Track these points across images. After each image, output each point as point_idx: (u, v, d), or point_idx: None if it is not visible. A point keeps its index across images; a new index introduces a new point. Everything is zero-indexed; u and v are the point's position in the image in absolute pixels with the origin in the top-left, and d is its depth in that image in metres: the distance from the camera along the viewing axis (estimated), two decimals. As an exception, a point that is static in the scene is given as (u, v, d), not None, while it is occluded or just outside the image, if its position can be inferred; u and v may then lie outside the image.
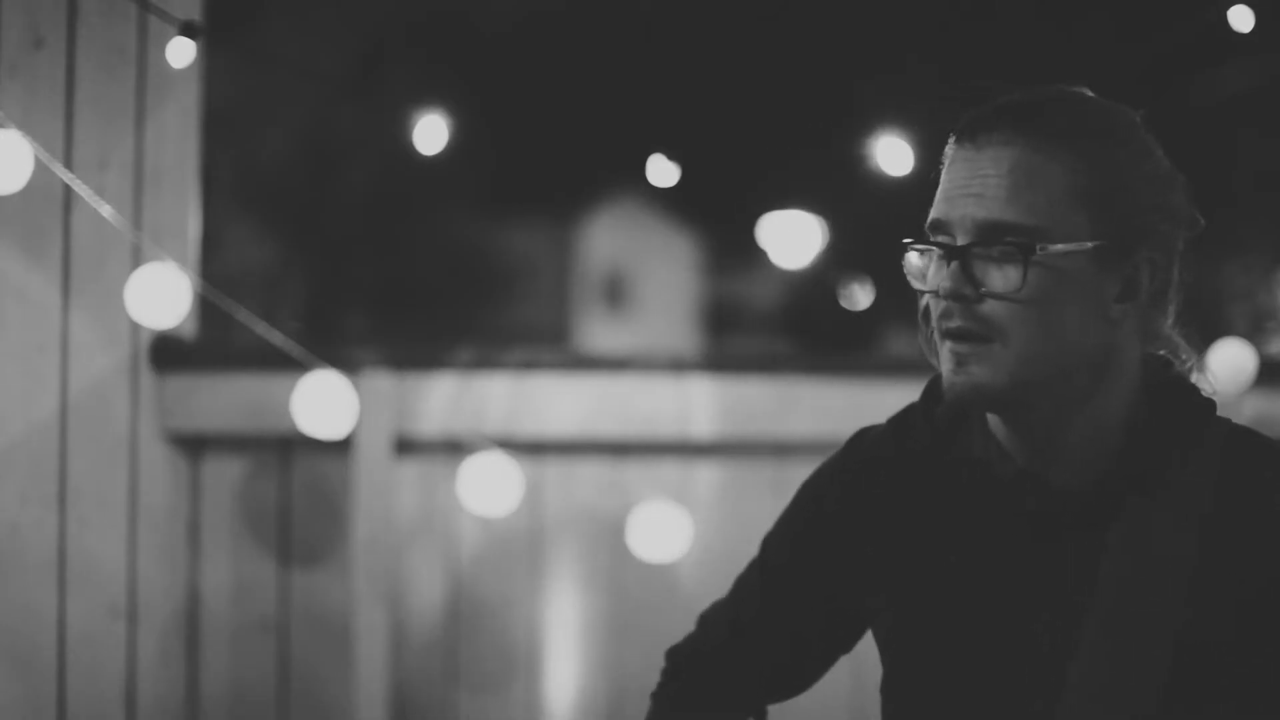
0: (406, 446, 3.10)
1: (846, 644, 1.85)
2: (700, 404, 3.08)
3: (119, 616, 2.92)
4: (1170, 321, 1.69)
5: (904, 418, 1.78)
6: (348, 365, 2.98)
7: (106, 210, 2.71)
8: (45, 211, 2.80)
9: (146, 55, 2.91)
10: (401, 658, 3.11)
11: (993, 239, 1.56)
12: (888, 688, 1.73)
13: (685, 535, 2.92)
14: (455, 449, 3.06)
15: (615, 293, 19.58)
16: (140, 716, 2.96)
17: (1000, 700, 1.63)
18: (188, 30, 2.44)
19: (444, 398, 3.09)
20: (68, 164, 2.78)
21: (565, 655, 3.10)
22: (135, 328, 2.93)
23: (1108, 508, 1.61)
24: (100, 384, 2.90)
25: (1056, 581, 1.61)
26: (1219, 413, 1.67)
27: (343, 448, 3.05)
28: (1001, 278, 1.56)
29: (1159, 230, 1.61)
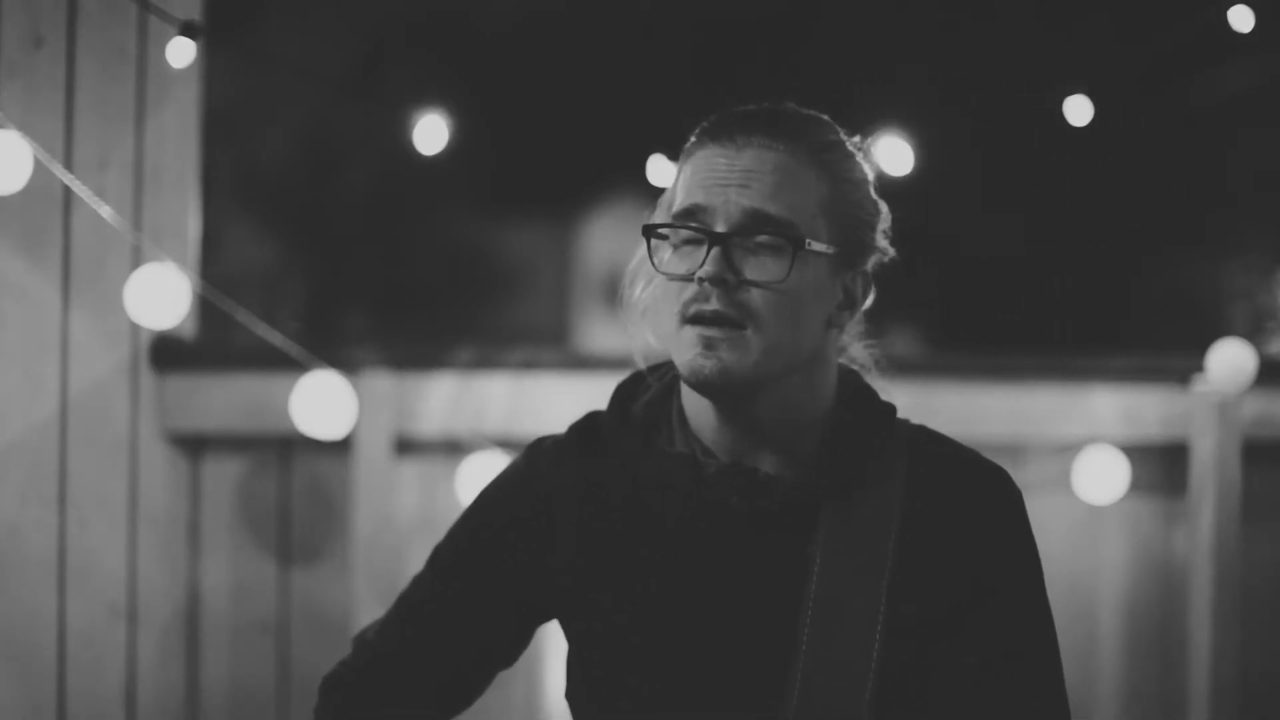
0: (406, 446, 3.10)
1: (512, 657, 1.87)
2: (700, 404, 3.08)
3: (119, 616, 2.92)
4: (858, 336, 1.82)
5: (589, 422, 1.83)
6: (348, 365, 2.98)
7: (106, 210, 2.71)
8: (45, 211, 2.80)
9: (146, 55, 2.91)
10: (401, 658, 3.11)
11: (755, 229, 1.63)
12: (579, 693, 1.76)
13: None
14: (455, 449, 3.06)
15: (615, 293, 19.57)
16: (140, 716, 2.96)
17: (727, 688, 1.67)
18: (188, 30, 2.44)
19: (444, 398, 3.09)
20: (68, 164, 2.78)
21: (565, 655, 3.10)
22: (135, 328, 2.93)
23: (813, 502, 1.68)
24: (100, 384, 2.90)
25: (770, 575, 1.68)
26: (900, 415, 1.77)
27: (343, 448, 3.05)
28: (760, 267, 1.63)
29: (872, 249, 1.73)
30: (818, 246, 1.65)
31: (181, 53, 2.43)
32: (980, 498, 1.71)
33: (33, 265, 2.79)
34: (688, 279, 1.65)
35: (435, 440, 3.09)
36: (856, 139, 1.77)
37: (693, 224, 1.66)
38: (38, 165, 2.47)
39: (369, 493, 3.00)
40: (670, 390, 1.79)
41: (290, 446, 3.12)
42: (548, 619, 1.83)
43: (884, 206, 1.77)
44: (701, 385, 1.66)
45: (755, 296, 1.63)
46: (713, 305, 1.63)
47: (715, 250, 1.63)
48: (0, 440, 2.77)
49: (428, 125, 2.60)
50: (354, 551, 3.02)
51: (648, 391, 1.81)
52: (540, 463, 1.82)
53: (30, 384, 2.80)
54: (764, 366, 1.64)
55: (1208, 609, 2.93)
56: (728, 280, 1.63)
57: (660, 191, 2.33)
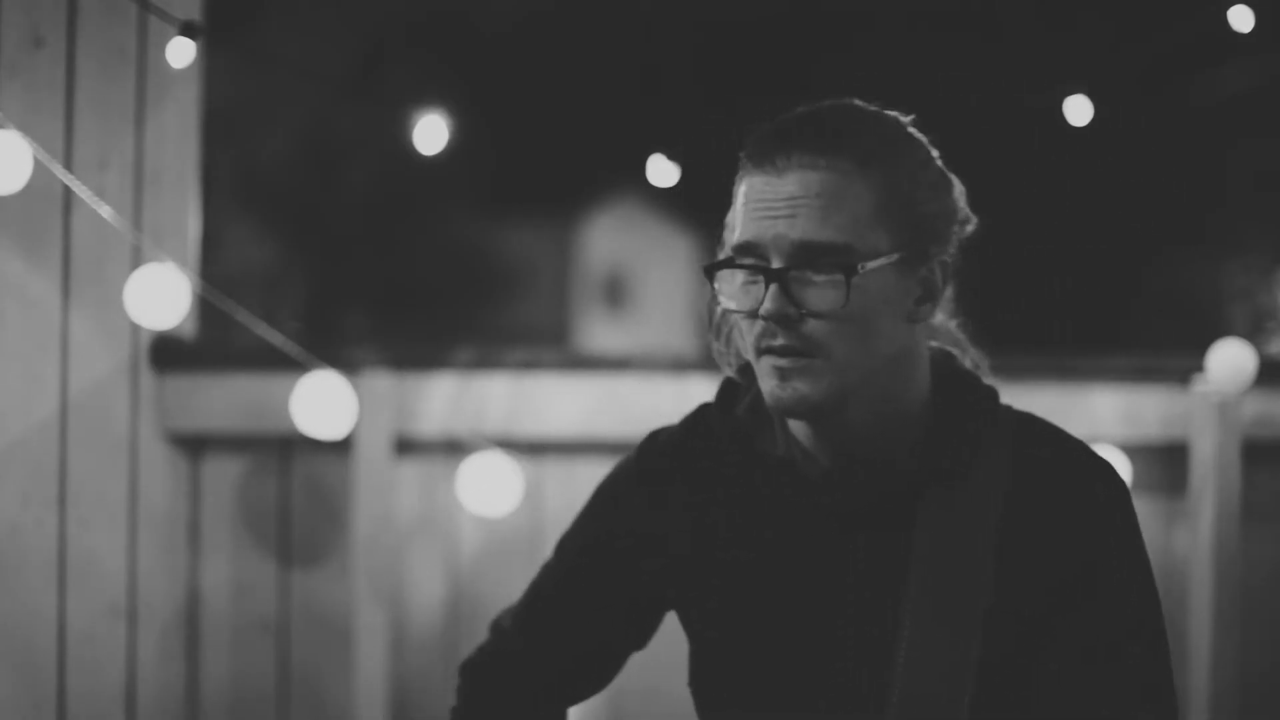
0: (406, 446, 3.10)
1: (642, 641, 1.90)
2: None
3: (119, 616, 2.92)
4: (950, 315, 1.80)
5: (699, 417, 1.83)
6: (347, 365, 2.98)
7: (106, 210, 2.71)
8: (45, 211, 2.80)
9: (146, 55, 2.91)
10: (401, 658, 3.11)
11: (808, 260, 1.62)
12: (704, 677, 1.78)
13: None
14: (455, 449, 3.06)
15: (615, 293, 19.56)
16: (140, 716, 2.96)
17: (829, 685, 1.68)
18: (188, 30, 2.44)
19: (444, 398, 3.09)
20: (68, 164, 2.78)
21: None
22: (135, 328, 2.93)
23: (912, 500, 1.68)
24: (100, 384, 2.90)
25: (872, 571, 1.68)
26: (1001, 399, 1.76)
27: (343, 448, 3.05)
28: (820, 297, 1.62)
29: (945, 232, 1.69)
30: (876, 262, 1.62)
31: (181, 53, 2.44)
32: (1086, 490, 1.68)
33: (33, 265, 2.79)
34: (752, 315, 1.65)
35: (435, 440, 3.10)
36: (909, 118, 1.73)
37: (747, 262, 1.66)
38: (38, 165, 2.47)
39: (369, 493, 3.00)
40: None
41: (290, 446, 3.12)
42: (667, 609, 1.86)
43: (955, 181, 1.73)
44: (783, 414, 1.68)
45: (819, 326, 1.62)
46: (779, 340, 1.63)
47: (773, 287, 1.62)
48: (0, 440, 2.77)
49: (428, 125, 2.60)
50: (354, 551, 3.02)
51: (749, 392, 1.80)
52: (654, 455, 1.85)
53: (30, 384, 2.80)
54: (840, 386, 1.64)
55: (1208, 609, 2.93)
56: (789, 315, 1.62)
57: (660, 192, 2.34)
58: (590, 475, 3.18)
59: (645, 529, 1.82)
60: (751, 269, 1.65)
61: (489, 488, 2.93)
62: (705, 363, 3.13)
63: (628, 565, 1.84)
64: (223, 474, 3.12)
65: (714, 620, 1.76)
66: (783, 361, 1.63)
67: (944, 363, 1.76)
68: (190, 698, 3.10)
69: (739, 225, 1.67)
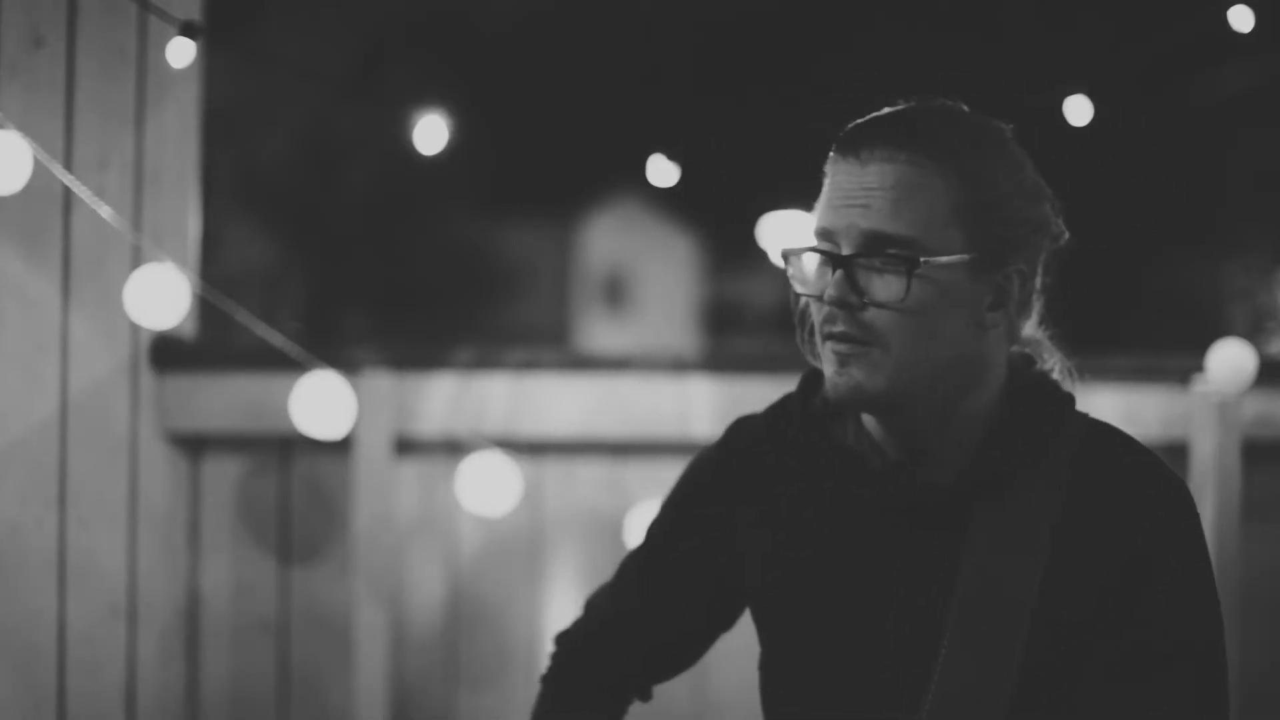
0: (406, 446, 3.10)
1: (727, 623, 1.94)
2: (700, 404, 3.08)
3: (119, 616, 2.92)
4: (1035, 323, 1.80)
5: (781, 407, 1.87)
6: (347, 365, 2.98)
7: (106, 210, 2.71)
8: (45, 211, 2.80)
9: (146, 55, 2.91)
10: (401, 658, 3.11)
11: (876, 249, 1.64)
12: (766, 665, 1.83)
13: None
14: (455, 449, 3.06)
15: (615, 293, 19.55)
16: (140, 716, 2.96)
17: (872, 680, 1.71)
18: (188, 30, 2.44)
19: (444, 398, 3.09)
20: (67, 164, 2.78)
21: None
22: (135, 328, 2.93)
23: (968, 500, 1.70)
24: (100, 384, 2.90)
25: (922, 569, 1.70)
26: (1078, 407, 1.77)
27: (342, 448, 3.05)
28: (884, 287, 1.64)
29: (1028, 242, 1.70)
30: (944, 259, 1.63)
31: (181, 53, 2.43)
32: (1147, 502, 1.67)
33: (33, 265, 2.79)
34: (817, 299, 1.68)
35: (435, 440, 3.10)
36: (1010, 127, 1.74)
37: (821, 247, 1.69)
38: (38, 165, 2.47)
39: (369, 493, 3.00)
40: None
41: (290, 446, 3.12)
42: (743, 588, 1.89)
43: (1049, 195, 1.74)
44: (840, 401, 1.70)
45: (880, 316, 1.64)
46: (839, 326, 1.66)
47: (839, 273, 1.65)
48: (0, 440, 2.77)
49: (428, 125, 2.60)
50: (354, 551, 3.02)
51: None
52: (737, 442, 1.89)
53: (30, 384, 2.80)
54: (897, 382, 1.66)
55: (1208, 609, 2.93)
56: (851, 302, 1.65)
57: (660, 192, 2.34)
58: (590, 475, 3.20)
59: (724, 516, 1.86)
60: (822, 254, 1.68)
61: (489, 488, 2.93)
62: (705, 362, 3.14)
63: (708, 551, 1.88)
64: (223, 474, 3.12)
65: (774, 610, 1.80)
66: (842, 347, 1.67)
67: (1022, 368, 1.78)
68: (190, 698, 3.10)
69: (819, 211, 1.71)
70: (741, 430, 1.90)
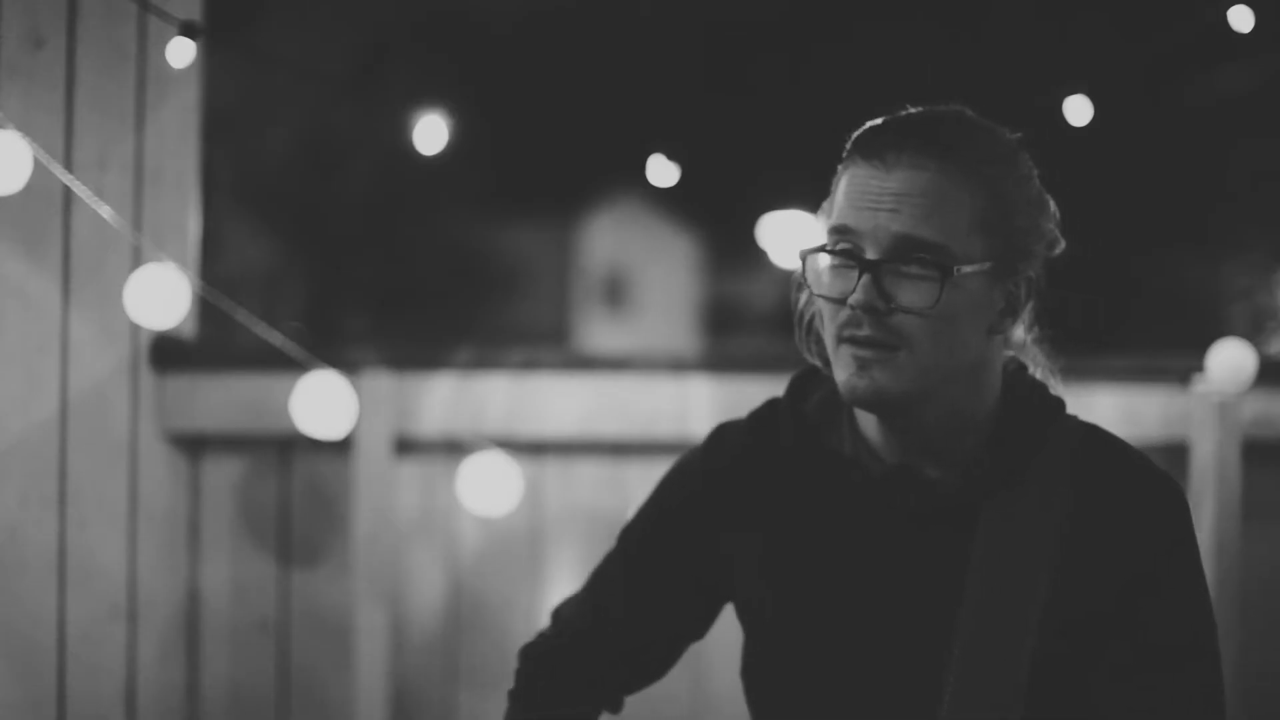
0: (406, 446, 3.10)
1: (702, 633, 1.94)
2: (700, 404, 3.08)
3: (119, 616, 2.92)
4: (1025, 326, 1.82)
5: (767, 413, 1.86)
6: (347, 365, 2.98)
7: (106, 210, 2.71)
8: (45, 211, 2.80)
9: (146, 55, 2.91)
10: (401, 658, 3.11)
11: (905, 254, 1.64)
12: (758, 671, 1.83)
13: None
14: (455, 449, 3.06)
15: (615, 293, 19.56)
16: (140, 716, 2.96)
17: (884, 683, 1.71)
18: (188, 30, 2.44)
19: (444, 398, 3.09)
20: (68, 164, 2.78)
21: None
22: (135, 328, 2.93)
23: (976, 501, 1.71)
24: (100, 384, 2.90)
25: (930, 571, 1.71)
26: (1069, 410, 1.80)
27: (343, 448, 3.05)
28: (913, 292, 1.65)
29: (1035, 250, 1.73)
30: (970, 267, 1.65)
31: (181, 53, 2.43)
32: (1146, 503, 1.71)
33: (33, 265, 2.79)
34: (840, 302, 1.67)
35: (435, 440, 3.10)
36: (1017, 136, 1.75)
37: (844, 246, 1.68)
38: (38, 165, 2.47)
39: (369, 493, 3.00)
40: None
41: (290, 446, 3.12)
42: (726, 600, 1.89)
43: (1051, 202, 1.76)
44: (856, 404, 1.70)
45: (907, 321, 1.65)
46: (865, 331, 1.66)
47: (866, 277, 1.65)
48: (0, 440, 2.77)
49: (428, 125, 2.60)
50: (354, 551, 3.02)
51: (820, 388, 1.83)
52: (720, 449, 1.88)
53: (30, 384, 2.80)
54: (918, 385, 1.66)
55: (1208, 609, 2.93)
56: (878, 307, 1.65)
57: (660, 192, 2.34)
58: (590, 475, 3.20)
59: (707, 523, 1.85)
60: (846, 256, 1.67)
61: (489, 488, 2.93)
62: (705, 363, 3.14)
63: (687, 558, 1.87)
64: (222, 474, 3.12)
65: (770, 614, 1.79)
66: (864, 352, 1.66)
67: (1016, 373, 1.80)
68: (190, 698, 3.10)
69: (836, 211, 1.70)
70: (723, 435, 1.89)
